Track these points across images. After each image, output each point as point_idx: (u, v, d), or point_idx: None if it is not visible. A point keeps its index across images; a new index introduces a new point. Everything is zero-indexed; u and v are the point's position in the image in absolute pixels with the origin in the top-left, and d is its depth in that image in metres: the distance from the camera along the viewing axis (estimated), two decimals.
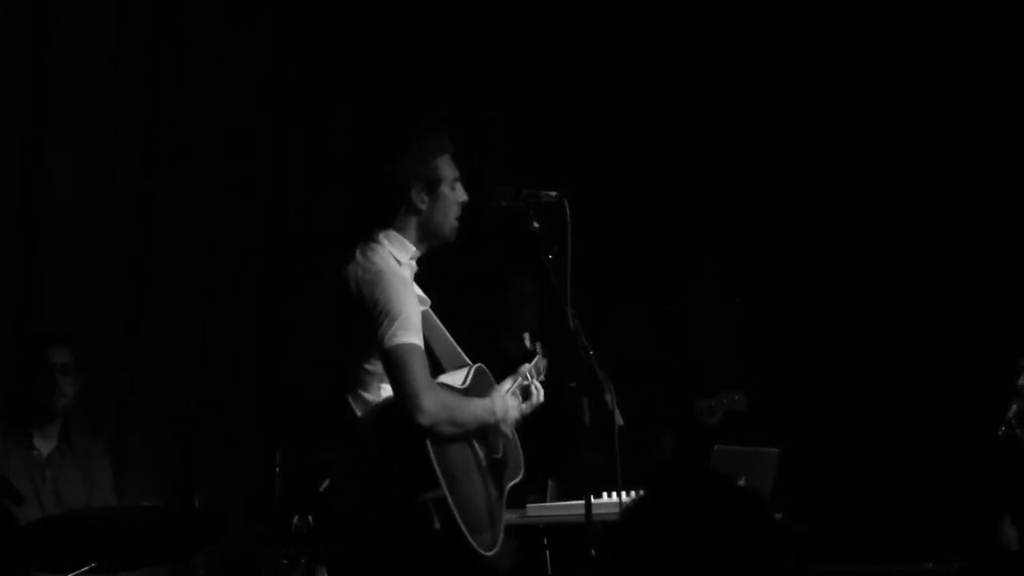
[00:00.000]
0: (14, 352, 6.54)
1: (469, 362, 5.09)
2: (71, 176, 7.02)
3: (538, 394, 5.09)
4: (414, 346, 4.66)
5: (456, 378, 4.95)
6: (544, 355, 5.23)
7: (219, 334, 7.35)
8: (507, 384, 5.07)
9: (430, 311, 5.09)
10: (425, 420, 4.58)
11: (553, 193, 4.94)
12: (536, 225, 4.90)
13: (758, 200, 8.36)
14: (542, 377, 5.19)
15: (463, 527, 4.59)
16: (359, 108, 7.88)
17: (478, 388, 4.98)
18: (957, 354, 7.72)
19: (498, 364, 5.19)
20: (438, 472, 4.57)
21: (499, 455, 4.97)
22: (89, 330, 6.92)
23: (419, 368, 4.65)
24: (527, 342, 5.34)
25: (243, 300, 7.47)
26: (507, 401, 4.94)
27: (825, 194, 8.32)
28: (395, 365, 4.64)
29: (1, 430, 6.27)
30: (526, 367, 5.15)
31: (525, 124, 8.36)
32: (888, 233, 8.16)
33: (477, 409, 4.83)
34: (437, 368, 4.92)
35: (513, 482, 5.05)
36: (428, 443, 4.59)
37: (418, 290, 5.02)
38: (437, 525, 4.59)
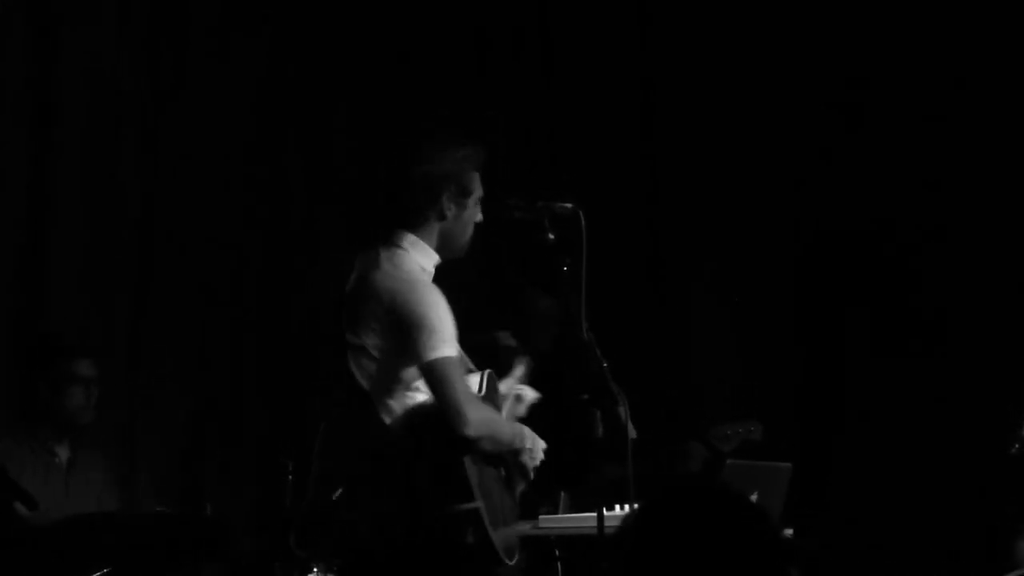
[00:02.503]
0: (26, 355, 6.50)
1: (472, 366, 5.07)
2: (73, 177, 7.00)
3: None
4: (453, 359, 4.65)
5: (472, 383, 4.93)
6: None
7: (227, 339, 7.34)
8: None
9: None
10: (471, 432, 4.57)
11: (568, 205, 4.92)
12: (551, 237, 4.89)
13: (758, 200, 8.36)
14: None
15: (493, 538, 4.59)
16: (359, 108, 7.85)
17: (491, 396, 4.97)
18: (964, 359, 7.72)
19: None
20: (473, 484, 4.58)
21: None
22: (92, 333, 6.91)
23: (461, 380, 4.65)
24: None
25: (248, 302, 7.45)
26: (536, 438, 4.92)
27: (825, 194, 8.31)
28: (438, 379, 4.61)
29: (19, 436, 6.26)
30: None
31: (525, 124, 8.32)
32: (888, 234, 8.15)
33: (512, 432, 4.83)
34: None
35: (521, 488, 5.05)
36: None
37: None
38: (471, 538, 4.59)
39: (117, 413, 6.84)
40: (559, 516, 5.60)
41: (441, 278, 4.95)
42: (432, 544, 4.61)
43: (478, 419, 4.59)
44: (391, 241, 4.82)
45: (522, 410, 5.10)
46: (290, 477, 6.26)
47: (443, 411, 4.59)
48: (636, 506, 4.53)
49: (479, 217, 4.92)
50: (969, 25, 8.01)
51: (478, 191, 4.91)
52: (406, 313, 4.67)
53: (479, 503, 4.56)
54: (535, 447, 4.86)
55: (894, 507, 7.68)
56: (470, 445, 4.58)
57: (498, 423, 4.78)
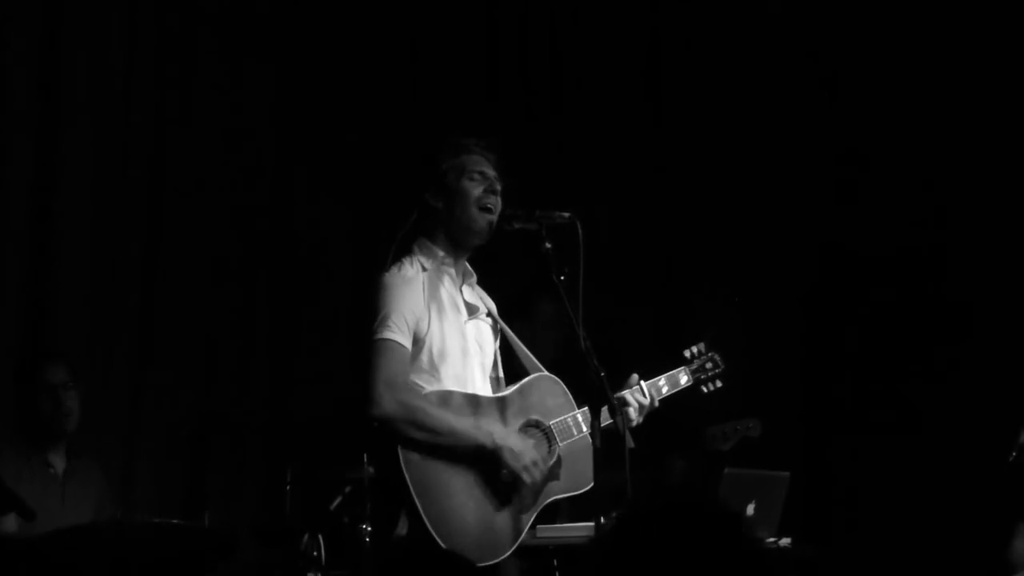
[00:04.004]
0: (17, 375, 6.52)
1: (543, 371, 5.14)
2: (81, 200, 7.04)
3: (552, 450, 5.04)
4: (386, 341, 4.74)
5: (510, 387, 5.04)
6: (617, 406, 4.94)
7: (228, 349, 7.39)
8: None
9: (502, 323, 5.13)
10: (375, 411, 4.66)
11: (566, 214, 4.95)
12: (548, 246, 4.91)
13: (764, 207, 8.38)
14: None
15: (433, 533, 4.60)
16: (369, 133, 7.89)
17: (533, 397, 5.03)
18: (964, 365, 7.72)
19: None
20: (405, 475, 4.61)
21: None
22: (95, 344, 6.94)
23: (385, 363, 4.72)
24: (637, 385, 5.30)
25: (251, 314, 7.50)
26: (524, 441, 4.90)
27: (830, 201, 8.34)
28: (364, 358, 4.74)
29: (15, 447, 6.28)
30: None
31: (534, 142, 8.33)
32: (891, 240, 8.16)
33: (462, 423, 4.80)
34: (522, 376, 5.03)
35: (564, 495, 5.03)
36: (399, 450, 4.64)
37: (470, 296, 5.09)
38: (404, 528, 4.60)
39: (117, 422, 6.87)
40: (557, 525, 5.59)
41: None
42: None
43: (388, 400, 4.65)
44: (406, 249, 5.01)
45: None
46: (288, 487, 6.27)
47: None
48: (605, 519, 4.54)
49: (488, 187, 5.01)
50: (970, 24, 8.03)
51: (468, 167, 5.02)
52: (365, 304, 4.85)
53: (414, 499, 4.59)
54: (515, 455, 4.84)
55: (893, 513, 7.68)
56: (385, 426, 4.65)
57: (426, 411, 4.74)
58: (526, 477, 4.83)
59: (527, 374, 5.16)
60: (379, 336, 4.74)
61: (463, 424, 4.79)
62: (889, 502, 7.73)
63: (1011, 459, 5.81)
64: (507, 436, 4.85)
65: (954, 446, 7.50)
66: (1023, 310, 7.68)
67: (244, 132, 7.58)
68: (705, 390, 5.44)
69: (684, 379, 5.39)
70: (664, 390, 5.30)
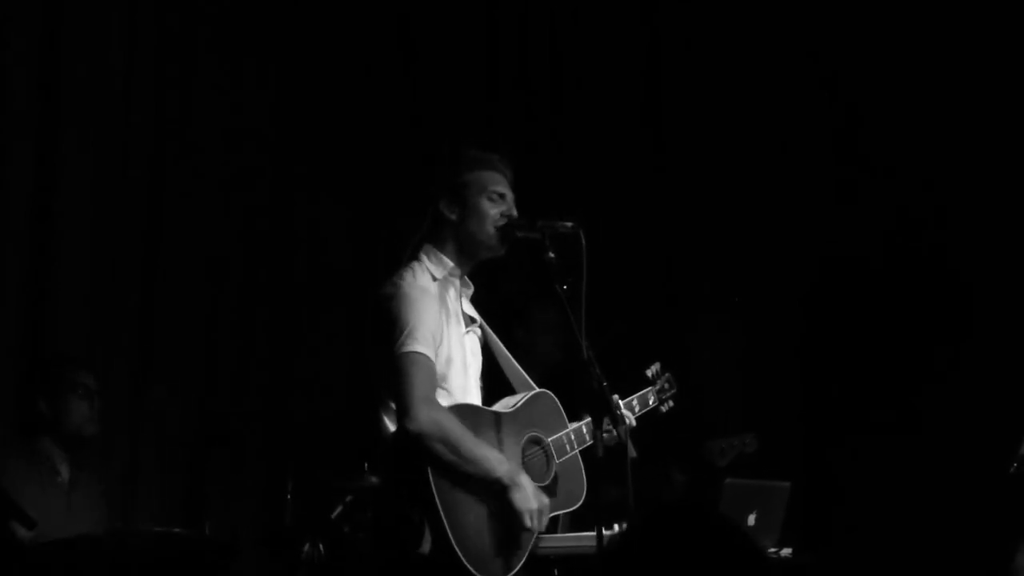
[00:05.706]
0: (33, 376, 6.49)
1: (535, 386, 5.14)
2: (81, 200, 7.02)
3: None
4: (418, 355, 4.70)
5: (511, 401, 5.02)
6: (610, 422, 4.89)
7: (227, 355, 7.38)
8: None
9: (492, 335, 5.13)
10: (412, 426, 4.61)
11: (569, 223, 4.95)
12: (551, 255, 4.90)
13: (767, 212, 8.38)
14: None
15: (456, 548, 4.59)
16: (367, 134, 7.88)
17: (534, 413, 5.03)
18: (964, 375, 7.73)
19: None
20: (434, 490, 4.59)
21: (544, 483, 4.96)
22: (95, 350, 6.93)
23: (418, 377, 4.68)
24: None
25: (251, 323, 7.49)
26: (526, 487, 4.82)
27: (831, 211, 8.34)
28: (395, 373, 4.68)
29: (22, 452, 6.22)
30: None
31: (533, 144, 8.34)
32: (889, 251, 8.17)
33: (486, 452, 4.76)
34: (507, 390, 5.02)
35: (560, 512, 5.03)
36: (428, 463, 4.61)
37: (467, 308, 5.08)
38: (428, 544, 4.60)
39: (119, 430, 6.86)
40: (558, 535, 5.59)
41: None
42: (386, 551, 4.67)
43: (428, 418, 4.62)
44: (413, 256, 4.98)
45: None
46: (288, 496, 6.27)
47: (395, 405, 4.69)
48: (619, 528, 4.55)
49: (505, 208, 4.99)
50: (969, 24, 8.04)
51: (487, 184, 5.00)
52: (387, 317, 4.77)
53: (439, 511, 4.57)
54: (526, 498, 4.79)
55: (894, 525, 7.69)
56: (416, 441, 4.60)
57: (457, 432, 4.69)
58: (527, 521, 4.81)
59: (510, 385, 5.17)
60: (410, 349, 4.70)
61: (484, 454, 4.76)
62: (889, 505, 7.74)
63: (1012, 470, 5.82)
64: (521, 476, 4.82)
65: (954, 447, 7.51)
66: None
67: (244, 132, 7.56)
68: (664, 409, 5.54)
69: (652, 399, 5.51)
70: (637, 410, 5.41)
